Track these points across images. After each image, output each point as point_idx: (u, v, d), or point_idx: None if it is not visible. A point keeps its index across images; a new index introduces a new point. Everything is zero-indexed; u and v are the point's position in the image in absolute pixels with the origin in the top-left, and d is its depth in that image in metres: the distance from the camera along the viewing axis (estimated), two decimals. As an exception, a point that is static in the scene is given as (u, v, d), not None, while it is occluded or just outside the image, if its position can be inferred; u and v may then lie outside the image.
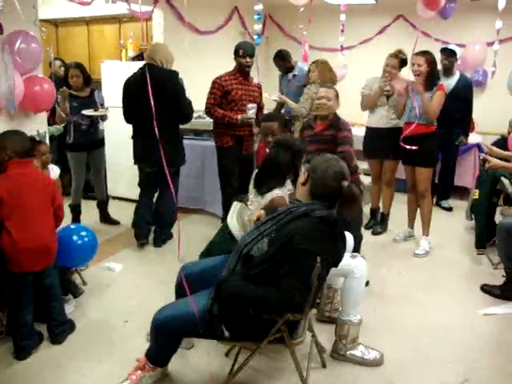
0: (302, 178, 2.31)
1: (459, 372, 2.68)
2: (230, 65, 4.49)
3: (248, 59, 4.34)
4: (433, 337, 3.05)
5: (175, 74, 4.04)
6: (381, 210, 4.97)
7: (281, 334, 2.19)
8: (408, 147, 4.04)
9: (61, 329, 2.88)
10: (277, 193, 2.81)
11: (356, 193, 2.23)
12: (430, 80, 4.16)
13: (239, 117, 4.31)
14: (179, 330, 2.28)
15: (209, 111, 4.45)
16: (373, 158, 4.83)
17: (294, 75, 5.41)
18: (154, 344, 2.40)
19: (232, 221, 2.97)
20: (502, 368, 2.74)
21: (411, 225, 4.73)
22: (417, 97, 4.11)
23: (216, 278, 2.21)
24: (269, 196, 2.80)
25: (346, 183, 2.21)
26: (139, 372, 2.42)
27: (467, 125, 5.63)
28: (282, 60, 5.42)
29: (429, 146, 4.24)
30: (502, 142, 4.88)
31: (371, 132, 4.76)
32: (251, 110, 4.31)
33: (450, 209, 5.72)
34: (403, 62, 4.55)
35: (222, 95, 4.36)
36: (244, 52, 4.32)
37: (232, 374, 2.39)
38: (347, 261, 2.63)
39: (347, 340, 2.73)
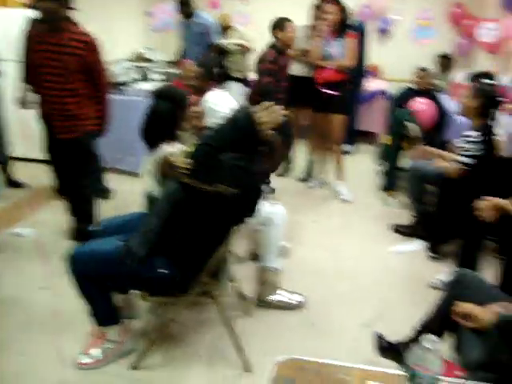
0: None
1: (375, 307, 2.85)
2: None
3: None
4: (348, 277, 3.21)
5: None
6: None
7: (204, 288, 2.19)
8: (328, 92, 4.14)
9: None
10: (166, 149, 2.54)
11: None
12: (341, 28, 4.22)
13: None
14: (97, 267, 2.13)
15: None
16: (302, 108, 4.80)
17: (193, 21, 5.36)
18: (86, 301, 2.26)
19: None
20: (411, 299, 2.95)
21: (323, 171, 4.88)
22: (334, 42, 4.19)
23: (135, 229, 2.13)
24: (160, 152, 2.55)
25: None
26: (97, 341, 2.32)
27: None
28: (184, 5, 5.32)
29: (343, 92, 4.35)
30: (409, 93, 5.06)
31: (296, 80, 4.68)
32: None
33: (347, 152, 5.73)
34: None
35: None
36: None
37: (159, 330, 2.36)
38: (267, 208, 2.66)
39: (270, 286, 2.79)
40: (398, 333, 2.22)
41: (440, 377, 1.05)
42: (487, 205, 2.29)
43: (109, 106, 3.37)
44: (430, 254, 3.50)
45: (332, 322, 2.72)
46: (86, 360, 2.30)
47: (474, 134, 3.19)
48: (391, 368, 2.05)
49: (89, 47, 3.07)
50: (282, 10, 4.67)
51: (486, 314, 1.52)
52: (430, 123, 4.53)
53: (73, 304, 2.43)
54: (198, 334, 2.58)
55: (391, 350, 2.18)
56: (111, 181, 4.44)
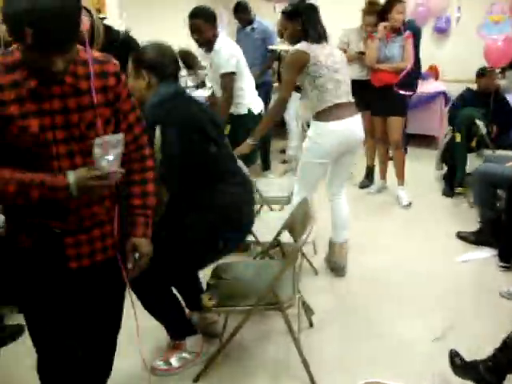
0: None
1: (444, 318, 2.72)
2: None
3: None
4: (416, 284, 3.09)
5: None
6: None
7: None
8: (402, 92, 4.14)
9: None
10: None
11: None
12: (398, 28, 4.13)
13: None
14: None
15: None
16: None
17: (253, 28, 5.33)
18: (157, 317, 2.29)
19: None
20: (484, 310, 2.80)
21: (383, 176, 4.73)
22: (393, 44, 4.10)
23: None
24: None
25: None
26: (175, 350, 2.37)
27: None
28: (243, 12, 5.32)
29: (400, 95, 4.23)
30: (468, 95, 4.85)
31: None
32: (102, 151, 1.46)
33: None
34: (380, 15, 4.25)
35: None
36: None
37: (225, 342, 2.32)
38: None
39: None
40: (471, 347, 2.10)
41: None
42: None
43: None
44: (500, 263, 3.31)
45: (401, 335, 2.60)
46: (161, 366, 2.34)
47: None
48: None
49: None
50: (334, 13, 4.58)
51: None
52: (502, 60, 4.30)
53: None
54: (262, 346, 2.54)
55: (468, 370, 2.05)
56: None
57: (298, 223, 2.38)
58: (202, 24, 3.45)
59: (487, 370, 1.94)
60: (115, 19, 4.84)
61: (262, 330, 2.65)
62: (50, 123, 1.38)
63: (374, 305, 2.87)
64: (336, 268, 3.25)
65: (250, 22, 5.35)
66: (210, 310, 2.24)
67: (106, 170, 1.39)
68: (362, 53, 4.39)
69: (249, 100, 3.81)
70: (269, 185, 3.65)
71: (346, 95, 2.98)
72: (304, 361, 2.23)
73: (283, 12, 3.10)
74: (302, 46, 2.89)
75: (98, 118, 1.45)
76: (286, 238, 2.56)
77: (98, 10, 5.19)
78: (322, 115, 2.93)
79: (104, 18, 3.28)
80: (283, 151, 5.85)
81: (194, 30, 3.48)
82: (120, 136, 1.44)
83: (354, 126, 3.01)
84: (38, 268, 1.55)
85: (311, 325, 2.68)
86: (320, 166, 3.02)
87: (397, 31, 4.13)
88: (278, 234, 2.58)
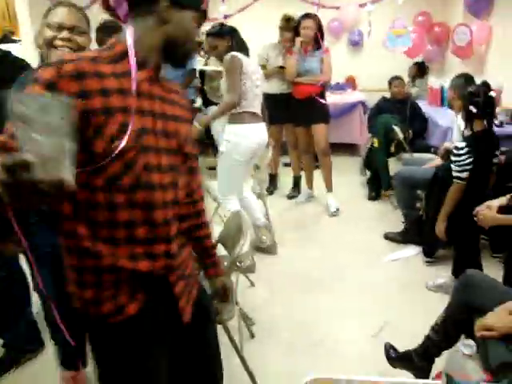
0: None
1: (380, 316, 2.82)
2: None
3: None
4: (349, 286, 3.20)
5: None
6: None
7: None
8: (322, 101, 4.32)
9: None
10: None
11: None
12: (316, 42, 4.27)
13: None
14: None
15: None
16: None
17: None
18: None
19: None
20: (414, 305, 2.94)
21: (310, 185, 4.87)
22: (311, 58, 4.25)
23: None
24: None
25: None
26: None
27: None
28: None
29: (321, 105, 4.38)
30: (383, 103, 5.13)
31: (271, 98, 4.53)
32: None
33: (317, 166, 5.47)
34: (296, 31, 4.38)
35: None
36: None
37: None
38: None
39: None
40: (406, 340, 2.21)
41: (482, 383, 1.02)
42: (486, 216, 2.29)
43: None
44: (426, 258, 3.50)
45: (339, 337, 2.68)
46: None
47: (461, 145, 2.89)
48: (405, 377, 2.06)
49: None
50: (252, 28, 4.69)
51: (503, 321, 1.51)
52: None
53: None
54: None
55: (403, 360, 2.15)
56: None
57: (231, 236, 2.39)
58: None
59: (418, 357, 2.05)
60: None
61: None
62: (150, 125, 1.19)
63: (311, 311, 2.93)
64: (269, 246, 3.67)
65: None
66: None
67: (25, 158, 0.78)
68: (282, 67, 4.51)
69: None
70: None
71: (258, 108, 3.38)
72: (250, 373, 2.24)
73: (210, 33, 3.36)
74: (235, 53, 3.19)
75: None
76: (221, 250, 2.56)
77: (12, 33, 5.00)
78: (238, 118, 3.27)
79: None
80: (213, 168, 5.85)
81: None
82: (64, 99, 0.86)
83: (264, 130, 3.44)
84: (149, 337, 1.23)
85: (252, 336, 2.69)
86: (242, 164, 3.33)
87: (313, 46, 4.28)
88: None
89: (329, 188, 4.61)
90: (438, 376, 1.61)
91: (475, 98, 2.87)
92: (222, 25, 3.44)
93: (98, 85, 1.08)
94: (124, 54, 1.15)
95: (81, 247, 1.14)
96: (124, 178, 1.12)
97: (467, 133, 3.02)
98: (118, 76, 1.12)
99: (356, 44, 6.99)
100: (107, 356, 1.24)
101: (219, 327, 2.25)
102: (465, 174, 2.87)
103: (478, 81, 3.24)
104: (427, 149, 4.45)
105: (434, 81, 5.71)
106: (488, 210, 2.30)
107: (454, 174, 2.90)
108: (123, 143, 1.09)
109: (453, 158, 2.91)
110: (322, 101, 4.36)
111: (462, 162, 2.86)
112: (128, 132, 1.10)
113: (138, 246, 1.17)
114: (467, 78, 3.51)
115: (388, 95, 5.17)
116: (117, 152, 1.09)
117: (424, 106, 5.29)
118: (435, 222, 3.12)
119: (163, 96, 1.23)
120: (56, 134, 0.82)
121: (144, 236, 1.17)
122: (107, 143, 1.08)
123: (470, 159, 2.84)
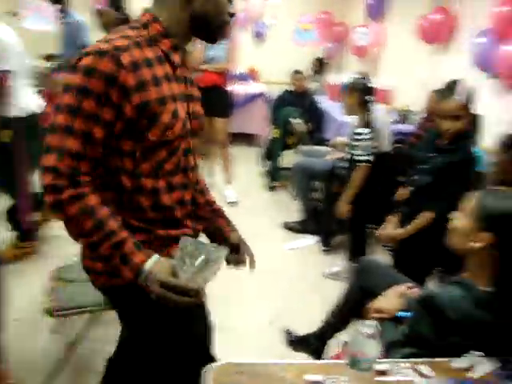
0: None
1: (278, 303, 2.91)
2: None
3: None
4: (247, 278, 3.22)
5: None
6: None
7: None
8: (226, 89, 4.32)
9: None
10: None
11: None
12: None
13: None
14: None
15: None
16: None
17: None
18: None
19: None
20: (312, 291, 3.06)
21: (210, 174, 4.86)
22: (218, 46, 4.19)
23: None
24: None
25: None
26: None
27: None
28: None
29: (224, 96, 4.39)
30: (286, 96, 5.25)
31: None
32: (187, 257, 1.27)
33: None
34: None
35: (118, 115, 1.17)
36: None
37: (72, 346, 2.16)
38: None
39: None
40: (303, 327, 2.28)
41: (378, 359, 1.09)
42: (382, 235, 2.57)
43: None
44: (323, 247, 3.65)
45: (238, 323, 2.71)
46: None
47: (364, 131, 3.07)
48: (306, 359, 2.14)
49: None
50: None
51: (392, 303, 1.64)
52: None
53: None
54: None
55: (301, 343, 2.23)
56: None
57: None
58: None
59: (315, 339, 2.14)
60: None
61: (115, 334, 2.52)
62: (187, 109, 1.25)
63: (213, 302, 2.91)
64: None
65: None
66: (52, 315, 2.04)
67: (183, 284, 1.07)
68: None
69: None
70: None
71: None
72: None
73: None
74: None
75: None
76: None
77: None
78: None
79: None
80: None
81: None
82: (223, 252, 1.16)
83: None
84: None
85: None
86: None
87: None
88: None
89: (227, 179, 4.62)
90: (337, 356, 1.69)
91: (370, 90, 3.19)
92: None
93: (150, 74, 1.11)
94: (160, 36, 1.16)
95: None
96: (167, 164, 1.18)
97: (361, 122, 3.16)
98: (161, 61, 1.15)
99: (260, 35, 7.06)
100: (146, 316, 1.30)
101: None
102: (372, 157, 3.05)
103: (372, 80, 3.43)
104: (323, 142, 4.62)
105: (332, 77, 5.95)
106: (382, 230, 2.55)
107: (361, 158, 3.05)
108: (177, 132, 1.16)
109: (357, 144, 3.06)
110: (227, 89, 4.36)
111: (367, 146, 3.04)
112: (179, 120, 1.15)
113: (172, 228, 1.26)
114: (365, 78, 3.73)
115: (291, 88, 5.29)
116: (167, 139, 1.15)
117: (325, 101, 5.50)
118: (332, 212, 3.26)
119: (190, 78, 1.28)
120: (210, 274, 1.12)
121: (179, 217, 1.27)
122: (161, 132, 1.13)
123: (376, 143, 3.09)
